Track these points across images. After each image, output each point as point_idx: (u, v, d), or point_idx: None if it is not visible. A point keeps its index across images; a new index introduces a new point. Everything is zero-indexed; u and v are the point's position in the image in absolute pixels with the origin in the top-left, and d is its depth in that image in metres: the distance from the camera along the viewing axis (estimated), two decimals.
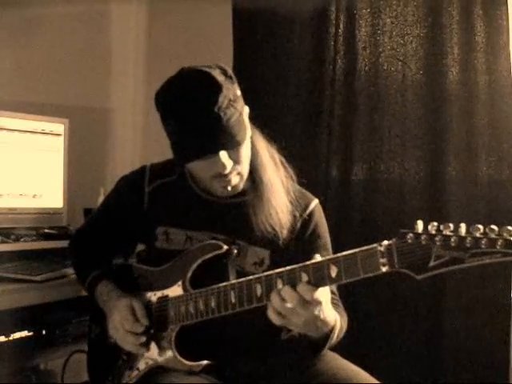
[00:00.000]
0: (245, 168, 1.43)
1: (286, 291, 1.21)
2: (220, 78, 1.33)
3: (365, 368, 1.42)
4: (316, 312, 1.23)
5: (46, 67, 2.46)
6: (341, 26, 2.30)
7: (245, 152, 1.40)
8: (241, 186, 1.46)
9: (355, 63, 2.27)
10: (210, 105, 1.30)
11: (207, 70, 1.34)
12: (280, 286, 1.23)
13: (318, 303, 1.22)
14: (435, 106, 2.15)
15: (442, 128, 2.14)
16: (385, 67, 2.23)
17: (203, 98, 1.31)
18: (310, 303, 1.21)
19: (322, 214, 1.56)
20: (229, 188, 1.43)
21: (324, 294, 1.24)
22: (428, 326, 2.15)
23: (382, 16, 2.23)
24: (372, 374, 1.41)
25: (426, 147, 2.18)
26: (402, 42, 2.21)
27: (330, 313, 1.31)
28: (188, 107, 1.32)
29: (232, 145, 1.34)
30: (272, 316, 1.23)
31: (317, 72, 2.34)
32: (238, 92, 1.39)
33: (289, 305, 1.20)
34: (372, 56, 2.26)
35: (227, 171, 1.36)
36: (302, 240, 1.49)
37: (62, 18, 2.52)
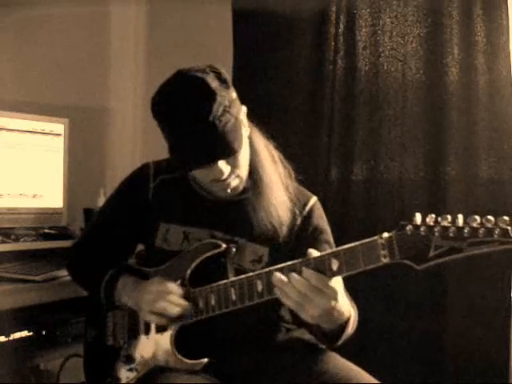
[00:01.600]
0: (244, 170, 1.43)
1: (294, 277, 1.19)
2: (214, 84, 1.32)
3: (364, 368, 1.43)
4: (332, 302, 1.21)
5: (45, 67, 2.46)
6: (341, 25, 2.29)
7: (243, 155, 1.40)
8: (241, 187, 1.47)
9: (355, 63, 2.27)
10: (204, 114, 1.29)
11: (201, 75, 1.32)
12: None
13: (334, 292, 1.21)
14: (435, 106, 2.15)
15: (442, 128, 2.14)
16: (385, 67, 2.23)
17: (197, 107, 1.30)
18: (325, 292, 1.19)
19: (322, 210, 1.57)
20: (228, 190, 1.44)
21: (338, 283, 1.23)
22: (428, 326, 2.14)
23: (382, 16, 2.23)
24: (372, 373, 1.41)
25: (426, 147, 2.17)
26: (402, 41, 2.21)
27: (345, 303, 1.30)
28: (182, 117, 1.32)
29: (228, 153, 1.34)
30: (286, 301, 1.21)
31: (317, 72, 2.34)
32: (234, 95, 1.38)
33: (300, 290, 1.18)
34: (372, 56, 2.25)
35: (225, 177, 1.37)
36: (303, 237, 1.49)
37: (62, 18, 2.53)
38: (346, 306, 1.31)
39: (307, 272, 1.19)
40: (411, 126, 2.19)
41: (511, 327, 2.04)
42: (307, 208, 1.52)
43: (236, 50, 2.47)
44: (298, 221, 1.50)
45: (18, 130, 2.14)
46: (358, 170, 2.30)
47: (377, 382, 1.39)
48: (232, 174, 1.39)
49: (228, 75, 1.39)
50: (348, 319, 1.34)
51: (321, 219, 1.54)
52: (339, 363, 1.44)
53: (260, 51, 2.44)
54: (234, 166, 1.38)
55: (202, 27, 2.65)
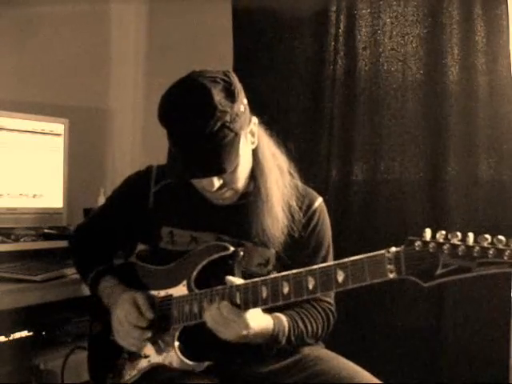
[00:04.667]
0: (240, 182, 1.42)
1: (210, 307, 1.31)
2: (219, 97, 1.29)
3: (365, 367, 1.43)
4: (244, 332, 1.30)
5: (46, 67, 2.46)
6: (341, 26, 2.30)
7: (241, 169, 1.39)
8: (235, 198, 1.46)
9: (355, 63, 2.28)
10: (200, 128, 1.28)
11: (209, 85, 1.30)
12: (286, 289, 1.25)
13: (245, 324, 1.29)
14: (435, 106, 2.15)
15: (442, 128, 2.14)
16: (385, 67, 2.24)
17: (195, 120, 1.29)
18: (236, 323, 1.29)
19: (326, 213, 1.56)
20: (220, 201, 1.44)
21: (252, 315, 1.30)
22: (428, 326, 2.15)
23: (381, 16, 2.24)
24: (372, 373, 1.41)
25: (426, 147, 2.18)
26: (402, 41, 2.21)
27: (261, 322, 1.35)
28: (180, 126, 1.31)
29: (217, 172, 1.33)
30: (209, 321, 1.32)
31: (317, 72, 2.34)
32: (242, 108, 1.35)
33: (217, 321, 1.29)
34: (372, 56, 2.26)
35: (214, 190, 1.37)
36: (304, 237, 1.49)
37: (63, 18, 2.53)
38: (264, 325, 1.36)
39: (222, 304, 1.29)
40: (411, 126, 2.19)
41: (511, 327, 2.04)
42: (311, 210, 1.52)
43: (236, 50, 2.47)
44: (303, 221, 1.49)
45: (17, 130, 2.14)
46: (358, 170, 2.30)
47: (378, 381, 1.39)
48: (225, 187, 1.39)
49: (239, 85, 1.36)
50: (272, 331, 1.37)
51: (322, 221, 1.53)
52: (341, 362, 1.44)
53: (260, 51, 2.44)
54: (228, 180, 1.38)
55: (202, 27, 2.65)
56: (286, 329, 1.40)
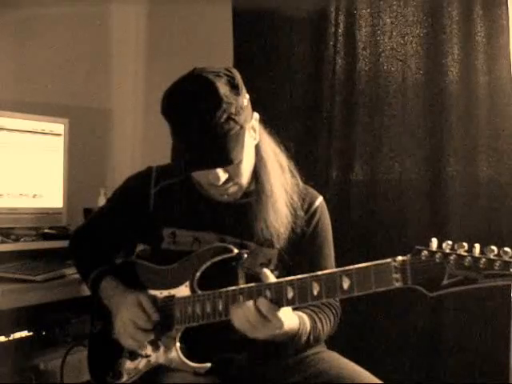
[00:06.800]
0: (244, 178, 1.42)
1: (248, 307, 1.26)
2: (223, 89, 1.30)
3: (365, 368, 1.43)
4: (276, 331, 1.28)
5: (45, 67, 2.46)
6: (341, 26, 2.30)
7: (245, 164, 1.39)
8: (239, 194, 1.46)
9: (355, 63, 2.27)
10: (207, 119, 1.28)
11: (213, 79, 1.31)
12: (291, 294, 1.25)
13: (279, 323, 1.27)
14: (435, 106, 2.15)
15: (442, 128, 2.14)
16: (385, 67, 2.23)
17: (201, 111, 1.29)
18: (271, 323, 1.26)
19: (327, 212, 1.56)
20: (225, 196, 1.44)
21: (284, 313, 1.28)
22: (428, 326, 2.15)
23: (382, 16, 2.23)
24: (373, 373, 1.41)
25: (426, 147, 2.18)
26: (402, 41, 2.21)
27: (291, 321, 1.34)
28: (186, 118, 1.31)
29: (224, 162, 1.33)
30: (235, 324, 1.29)
31: (317, 72, 2.34)
32: (245, 102, 1.36)
33: (250, 319, 1.25)
34: (372, 56, 2.26)
35: (220, 183, 1.37)
36: (305, 237, 1.49)
37: (63, 19, 2.53)
38: (292, 325, 1.34)
39: (261, 301, 1.25)
40: (411, 126, 2.19)
41: (511, 327, 2.04)
42: (312, 209, 1.52)
43: (236, 50, 2.47)
44: (303, 221, 1.49)
45: (17, 130, 2.14)
46: (358, 170, 2.30)
47: (379, 381, 1.39)
48: (230, 181, 1.39)
49: (241, 80, 1.37)
50: (297, 332, 1.37)
51: (323, 221, 1.53)
52: (342, 362, 1.44)
53: (260, 51, 2.44)
54: (233, 174, 1.38)
55: (202, 28, 2.65)
56: (308, 330, 1.40)
